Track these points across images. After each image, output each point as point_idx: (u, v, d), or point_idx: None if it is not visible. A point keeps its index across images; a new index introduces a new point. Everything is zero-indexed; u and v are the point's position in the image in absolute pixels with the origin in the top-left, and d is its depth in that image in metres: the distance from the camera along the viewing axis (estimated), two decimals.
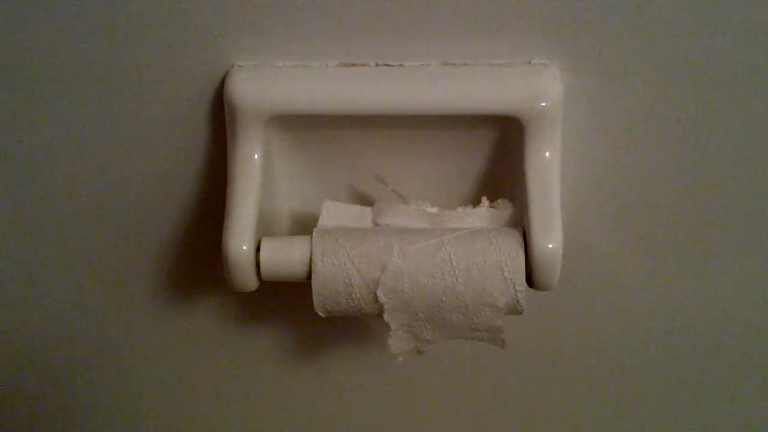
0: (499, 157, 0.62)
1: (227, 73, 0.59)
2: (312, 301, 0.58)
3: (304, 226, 0.65)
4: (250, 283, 0.59)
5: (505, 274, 0.56)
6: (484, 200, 0.60)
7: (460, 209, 0.60)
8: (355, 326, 0.75)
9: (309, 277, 0.58)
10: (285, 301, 0.73)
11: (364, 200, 0.64)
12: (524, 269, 0.57)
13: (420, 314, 0.58)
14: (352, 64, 0.59)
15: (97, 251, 0.70)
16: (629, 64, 0.59)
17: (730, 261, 0.69)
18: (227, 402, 0.81)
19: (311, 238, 0.58)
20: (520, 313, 0.58)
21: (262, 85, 0.58)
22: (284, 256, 0.58)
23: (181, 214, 0.67)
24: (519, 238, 0.57)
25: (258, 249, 0.58)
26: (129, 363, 0.78)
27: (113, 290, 0.73)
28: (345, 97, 0.58)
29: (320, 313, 0.59)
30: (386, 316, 0.58)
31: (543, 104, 0.57)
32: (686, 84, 0.60)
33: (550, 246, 0.56)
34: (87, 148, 0.64)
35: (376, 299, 0.57)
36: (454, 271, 0.56)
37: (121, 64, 0.60)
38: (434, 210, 0.60)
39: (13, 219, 0.68)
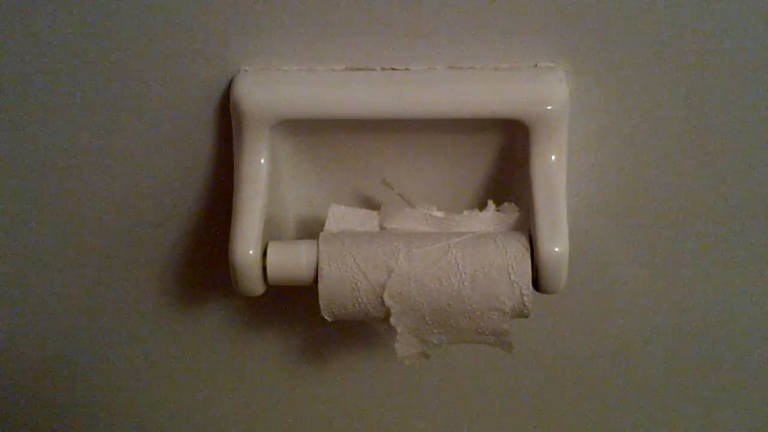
0: (505, 160, 0.62)
1: (234, 77, 0.59)
2: (318, 305, 0.58)
3: (311, 230, 0.65)
4: (257, 287, 0.59)
5: (512, 277, 0.56)
6: (490, 204, 0.60)
7: (466, 213, 0.60)
8: (362, 330, 0.75)
9: (315, 281, 0.58)
10: (291, 305, 0.73)
11: (371, 204, 0.64)
12: (530, 273, 0.57)
13: (426, 318, 0.58)
14: (358, 69, 0.59)
15: (103, 255, 0.70)
16: (635, 67, 0.59)
17: (738, 264, 0.69)
18: (233, 405, 0.81)
19: (318, 242, 0.58)
20: (527, 317, 0.58)
21: (269, 90, 0.58)
22: (291, 261, 0.58)
23: (187, 219, 0.67)
24: (525, 242, 0.57)
25: (264, 253, 0.58)
26: (134, 366, 0.78)
27: (119, 294, 0.73)
28: (351, 101, 0.58)
29: (327, 318, 0.59)
30: (393, 320, 0.58)
31: (549, 107, 0.57)
32: (692, 87, 0.60)
33: (557, 249, 0.56)
34: (93, 153, 0.64)
35: (382, 303, 0.57)
36: (461, 275, 0.56)
37: (128, 68, 0.60)
38: (440, 214, 0.60)
39: (19, 221, 0.68)
